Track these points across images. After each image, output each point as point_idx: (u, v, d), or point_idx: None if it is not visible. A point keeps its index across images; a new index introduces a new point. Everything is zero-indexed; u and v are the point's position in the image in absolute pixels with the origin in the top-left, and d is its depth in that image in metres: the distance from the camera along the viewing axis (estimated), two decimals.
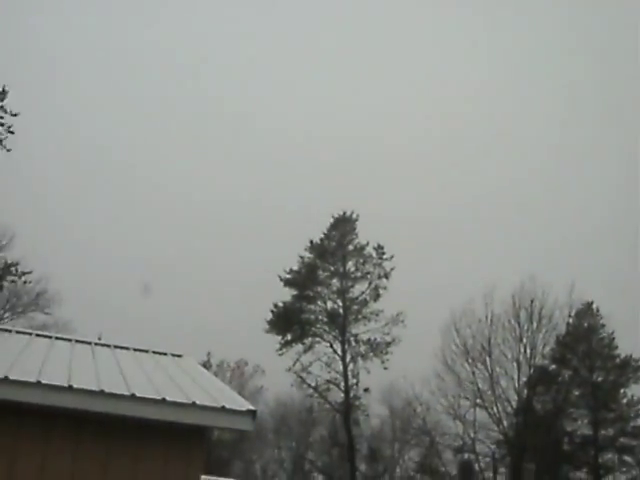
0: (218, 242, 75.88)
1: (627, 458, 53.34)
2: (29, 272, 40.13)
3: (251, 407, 8.48)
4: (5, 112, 32.66)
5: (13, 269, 37.66)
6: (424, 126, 78.54)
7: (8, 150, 33.23)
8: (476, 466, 55.71)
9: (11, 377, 7.81)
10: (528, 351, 53.15)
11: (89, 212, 71.71)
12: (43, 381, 7.91)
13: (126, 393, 8.17)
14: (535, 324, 53.30)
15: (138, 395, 8.15)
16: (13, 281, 39.02)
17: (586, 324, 56.14)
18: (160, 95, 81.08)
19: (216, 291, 69.95)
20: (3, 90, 32.59)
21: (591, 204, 70.86)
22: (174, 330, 60.03)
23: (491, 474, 55.11)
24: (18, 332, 12.68)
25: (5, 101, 32.64)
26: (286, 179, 76.80)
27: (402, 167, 77.08)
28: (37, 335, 12.64)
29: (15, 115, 32.98)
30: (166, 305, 68.42)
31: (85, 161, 74.71)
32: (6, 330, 12.83)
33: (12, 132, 33.12)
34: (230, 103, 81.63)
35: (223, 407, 8.34)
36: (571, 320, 55.48)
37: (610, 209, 67.88)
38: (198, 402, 8.31)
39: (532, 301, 53.03)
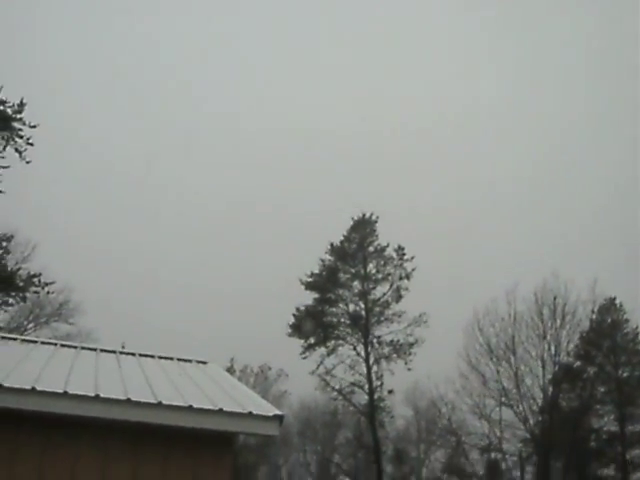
0: (238, 248, 76.05)
1: None
2: (52, 283, 40.27)
3: (277, 412, 8.48)
4: (24, 124, 32.82)
5: (36, 280, 37.80)
6: (438, 122, 78.36)
7: (28, 162, 33.38)
8: (503, 465, 55.49)
9: (38, 388, 7.84)
10: (552, 348, 52.88)
11: (107, 222, 72.05)
12: (70, 391, 7.94)
13: (153, 401, 8.19)
14: (558, 321, 53.02)
15: (165, 403, 8.16)
16: (36, 292, 39.16)
17: (610, 319, 55.76)
18: (168, 94, 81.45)
19: (237, 297, 70.13)
20: (21, 102, 32.76)
21: (613, 199, 70.48)
22: (196, 337, 60.22)
23: (518, 473, 54.87)
24: (43, 343, 12.74)
25: (23, 113, 32.79)
26: (305, 183, 76.96)
27: (420, 165, 77.01)
28: (62, 345, 12.69)
29: (34, 127, 33.14)
30: (187, 312, 68.71)
31: (103, 171, 75.19)
32: (31, 341, 12.88)
33: (31, 144, 33.28)
34: (247, 106, 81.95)
35: (250, 413, 8.35)
36: (594, 316, 55.14)
37: (633, 203, 67.46)
38: (225, 409, 8.32)
39: (555, 298, 52.74)
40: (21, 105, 32.83)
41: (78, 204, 71.74)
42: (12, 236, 35.55)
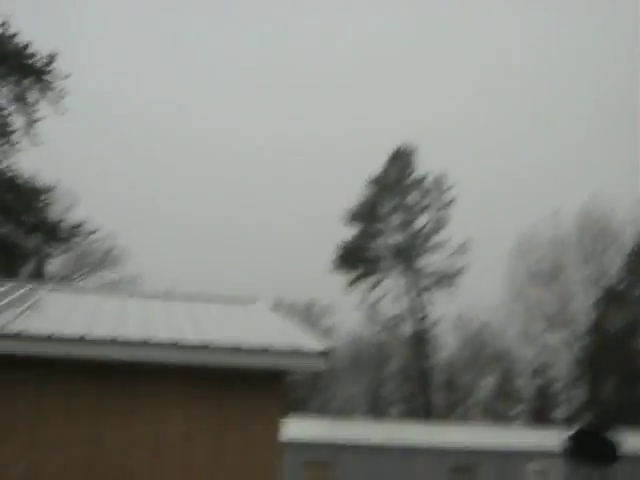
0: (278, 188, 76.12)
1: None
2: (94, 231, 40.67)
3: (325, 348, 8.57)
4: (56, 76, 32.81)
5: (78, 229, 38.13)
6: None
7: (63, 113, 33.50)
8: (551, 389, 55.65)
9: (88, 337, 8.00)
10: (596, 271, 52.59)
11: (151, 167, 72.47)
12: (119, 338, 8.09)
13: (202, 344, 8.31)
14: (601, 243, 52.62)
15: (214, 345, 8.28)
16: (80, 242, 39.57)
17: None
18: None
19: (280, 235, 70.42)
20: (52, 55, 32.69)
21: None
22: (242, 277, 60.77)
23: (567, 396, 55.02)
24: (92, 291, 12.93)
25: (54, 65, 32.76)
26: (339, 117, 76.47)
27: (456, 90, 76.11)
28: (110, 293, 12.88)
29: (67, 77, 33.15)
30: (232, 253, 69.22)
31: (148, 120, 75.48)
32: (80, 289, 13.09)
33: (64, 96, 33.34)
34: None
35: (298, 350, 8.44)
36: (637, 237, 54.62)
37: None
38: (273, 347, 8.42)
39: (598, 221, 52.26)
40: (52, 57, 32.80)
41: (116, 155, 72.18)
42: (54, 187, 35.78)
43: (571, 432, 25.64)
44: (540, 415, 53.39)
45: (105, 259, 49.23)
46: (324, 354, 8.46)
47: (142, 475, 8.08)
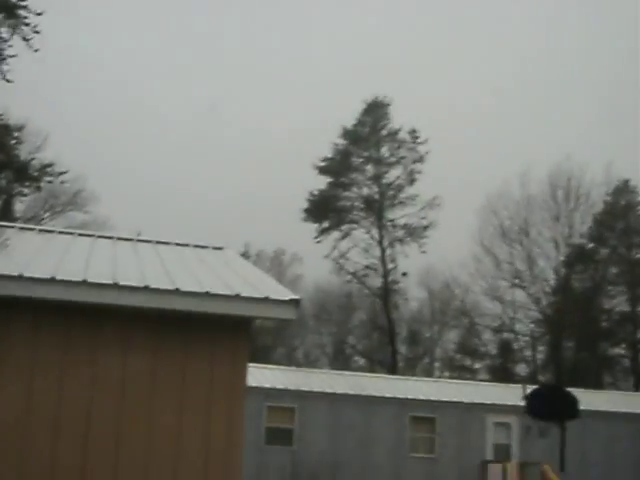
0: (242, 129, 75.60)
1: None
2: (65, 172, 40.37)
3: (294, 296, 8.59)
4: (29, 12, 32.20)
5: (49, 169, 37.81)
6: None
7: (36, 50, 32.92)
8: (515, 345, 56.41)
9: (58, 277, 7.95)
10: (565, 230, 53.07)
11: (119, 107, 71.63)
12: (89, 279, 8.05)
13: (171, 287, 8.30)
14: (572, 203, 53.05)
15: (182, 289, 8.27)
16: (50, 181, 39.25)
17: (623, 202, 55.71)
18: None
19: (250, 183, 70.19)
20: None
21: (629, 79, 69.32)
22: (210, 223, 60.66)
23: (530, 352, 55.82)
24: (60, 232, 12.83)
25: (28, 1, 32.12)
26: (316, 60, 75.89)
27: (432, 53, 75.73)
28: (79, 234, 12.77)
29: (40, 14, 32.53)
30: (201, 199, 68.97)
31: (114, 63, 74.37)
32: (49, 231, 12.98)
33: (38, 32, 32.73)
34: None
35: (267, 297, 8.45)
36: (608, 198, 55.10)
37: None
38: (242, 294, 8.43)
39: (569, 180, 52.61)
40: None
41: (89, 95, 71.32)
42: (23, 126, 35.39)
43: (532, 388, 26.06)
44: (503, 370, 54.18)
45: (74, 201, 48.93)
46: (294, 302, 8.48)
47: (106, 419, 8.10)
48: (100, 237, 12.67)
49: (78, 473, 7.93)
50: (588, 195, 53.19)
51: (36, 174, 35.93)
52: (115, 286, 8.05)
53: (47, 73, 57.22)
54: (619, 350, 56.04)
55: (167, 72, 78.64)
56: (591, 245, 54.59)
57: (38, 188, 38.96)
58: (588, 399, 28.71)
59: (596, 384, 47.99)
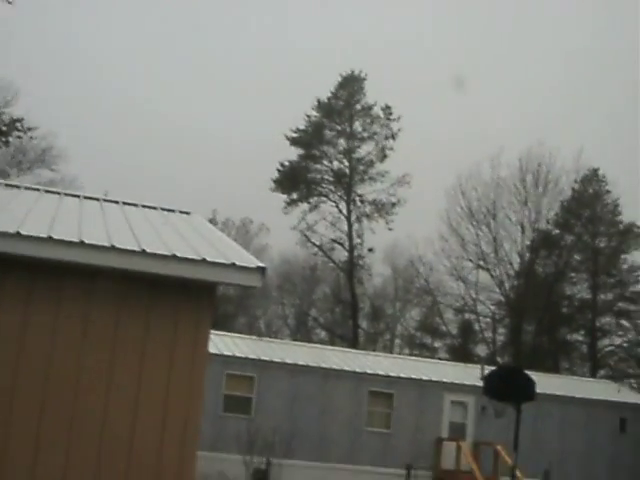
0: (223, 102, 75.24)
1: (624, 322, 54.39)
2: (35, 128, 39.89)
3: (260, 264, 8.57)
4: None
5: (18, 125, 37.34)
6: None
7: (9, 2, 32.45)
8: (476, 326, 56.92)
9: (23, 232, 7.85)
10: (532, 215, 53.54)
11: (95, 67, 70.84)
12: (54, 236, 7.96)
13: (136, 249, 8.23)
14: (541, 188, 53.45)
15: (149, 251, 8.21)
16: (19, 137, 38.79)
17: (591, 190, 56.23)
18: None
19: (221, 150, 69.83)
20: None
21: (603, 68, 69.72)
22: (180, 189, 60.39)
23: (491, 334, 56.35)
24: (27, 188, 12.68)
25: None
26: (291, 34, 75.50)
27: (407, 25, 75.55)
28: (46, 191, 12.64)
29: None
30: (172, 166, 68.57)
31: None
32: (15, 186, 12.83)
33: None
34: None
35: (233, 264, 8.41)
36: (577, 186, 55.56)
37: (623, 73, 66.86)
38: (208, 258, 8.39)
39: (539, 165, 52.97)
40: None
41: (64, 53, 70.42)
42: None
43: (491, 369, 26.33)
44: (463, 350, 54.69)
45: (43, 158, 48.42)
46: (260, 270, 8.46)
47: (66, 378, 8.05)
48: (67, 195, 12.55)
49: (35, 425, 7.88)
50: (557, 181, 53.66)
51: (5, 128, 35.49)
52: (81, 244, 7.97)
53: (18, 21, 56.14)
54: (577, 336, 56.77)
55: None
56: (557, 231, 55.07)
57: (6, 143, 38.51)
58: (545, 383, 29.07)
59: (553, 368, 48.66)
